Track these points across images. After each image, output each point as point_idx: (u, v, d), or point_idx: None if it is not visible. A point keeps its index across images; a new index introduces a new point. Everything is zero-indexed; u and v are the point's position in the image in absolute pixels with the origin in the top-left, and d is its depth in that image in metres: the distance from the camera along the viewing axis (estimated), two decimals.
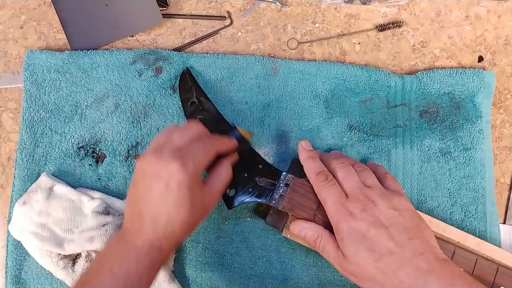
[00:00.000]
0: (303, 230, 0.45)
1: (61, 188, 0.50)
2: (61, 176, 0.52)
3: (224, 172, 0.45)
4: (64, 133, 0.53)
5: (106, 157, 0.53)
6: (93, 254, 0.48)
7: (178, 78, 0.54)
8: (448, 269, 0.39)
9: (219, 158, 0.46)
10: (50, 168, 0.52)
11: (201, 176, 0.42)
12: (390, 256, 0.39)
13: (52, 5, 0.55)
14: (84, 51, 0.55)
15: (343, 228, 0.41)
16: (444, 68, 0.56)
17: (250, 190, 0.48)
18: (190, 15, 0.57)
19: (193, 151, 0.41)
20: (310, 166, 0.46)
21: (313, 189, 0.46)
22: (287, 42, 0.57)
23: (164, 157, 0.40)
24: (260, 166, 0.49)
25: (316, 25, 0.57)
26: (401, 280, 0.38)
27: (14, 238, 0.49)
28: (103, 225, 0.47)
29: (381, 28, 0.57)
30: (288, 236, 0.48)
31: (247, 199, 0.48)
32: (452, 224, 0.49)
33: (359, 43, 0.57)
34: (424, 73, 0.55)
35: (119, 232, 0.42)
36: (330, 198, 0.43)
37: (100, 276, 0.38)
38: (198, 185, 0.41)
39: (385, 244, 0.40)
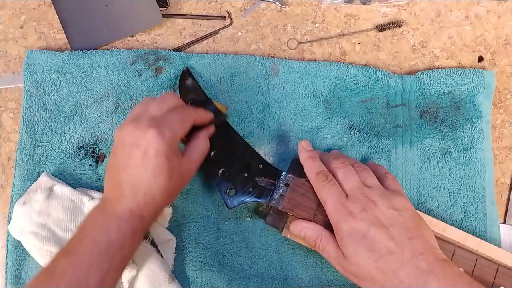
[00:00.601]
0: (303, 230, 0.45)
1: (61, 188, 0.50)
2: (61, 176, 0.52)
3: (201, 144, 0.46)
4: (64, 133, 0.53)
5: (106, 157, 0.53)
6: None
7: (178, 78, 0.54)
8: (448, 269, 0.39)
9: (195, 131, 0.47)
10: (50, 168, 0.52)
11: (179, 147, 0.44)
12: (390, 256, 0.39)
13: (52, 5, 0.55)
14: (84, 51, 0.55)
15: (343, 228, 0.41)
16: (444, 68, 0.56)
17: (250, 190, 0.48)
18: (190, 15, 0.57)
19: (169, 120, 0.43)
20: (310, 166, 0.46)
21: (313, 189, 0.46)
22: (287, 42, 0.57)
23: (142, 126, 0.41)
24: (260, 166, 0.49)
25: (316, 25, 0.57)
26: (401, 280, 0.38)
27: (14, 238, 0.49)
28: None
29: (381, 28, 0.57)
30: (288, 236, 0.48)
31: (247, 199, 0.48)
32: (452, 224, 0.49)
33: (359, 43, 0.57)
34: (424, 73, 0.55)
35: (99, 203, 0.43)
36: (330, 198, 0.43)
37: (83, 243, 0.39)
38: (175, 154, 0.43)
39: (385, 244, 0.40)
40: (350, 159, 0.48)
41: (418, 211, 0.44)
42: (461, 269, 0.45)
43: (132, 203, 0.41)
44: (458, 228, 0.48)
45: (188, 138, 0.47)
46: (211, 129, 0.49)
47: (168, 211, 0.51)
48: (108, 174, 0.44)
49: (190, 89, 0.53)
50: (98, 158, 0.53)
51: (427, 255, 0.39)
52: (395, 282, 0.38)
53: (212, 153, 0.50)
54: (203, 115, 0.48)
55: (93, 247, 0.39)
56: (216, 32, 0.57)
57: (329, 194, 0.43)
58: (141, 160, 0.41)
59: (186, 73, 0.53)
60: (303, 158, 0.47)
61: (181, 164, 0.44)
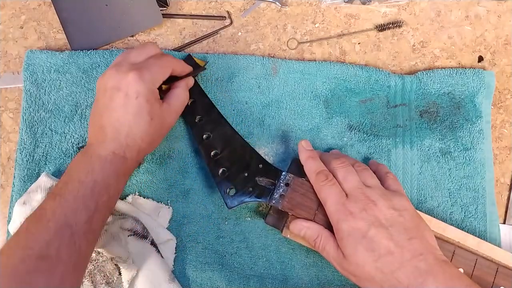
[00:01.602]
0: (302, 230, 0.45)
1: None
2: (61, 176, 0.52)
3: (180, 93, 0.48)
4: (64, 133, 0.53)
5: None
6: (93, 255, 0.48)
7: None
8: (447, 271, 0.39)
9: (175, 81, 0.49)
10: (50, 168, 0.52)
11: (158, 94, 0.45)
12: (389, 256, 0.39)
13: (52, 5, 0.55)
14: (84, 51, 0.55)
15: (343, 228, 0.41)
16: (444, 68, 0.56)
17: (250, 189, 0.48)
18: (190, 15, 0.57)
19: (149, 65, 0.44)
20: (310, 166, 0.46)
21: (314, 189, 0.46)
22: (287, 42, 0.57)
23: (123, 70, 0.43)
24: (260, 166, 0.49)
25: (316, 25, 0.57)
26: (399, 280, 0.38)
27: None
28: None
29: (381, 28, 0.57)
30: (288, 236, 0.48)
31: (247, 199, 0.48)
32: (452, 224, 0.49)
33: (359, 43, 0.57)
34: (424, 73, 0.55)
35: (83, 149, 0.44)
36: (330, 198, 0.43)
37: (69, 185, 0.41)
38: (155, 99, 0.44)
39: (384, 244, 0.40)
40: (350, 158, 0.48)
41: (418, 211, 0.44)
42: (461, 270, 0.45)
43: (114, 145, 0.43)
44: (458, 228, 0.48)
45: (168, 89, 0.49)
46: (190, 81, 0.51)
47: (168, 211, 0.51)
48: (91, 119, 0.46)
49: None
50: None
51: (427, 256, 0.39)
52: (394, 282, 0.38)
53: (212, 153, 0.50)
54: (182, 65, 0.49)
55: (79, 188, 0.40)
56: (216, 32, 0.57)
57: (329, 194, 0.43)
58: (122, 103, 0.43)
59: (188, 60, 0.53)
60: (303, 158, 0.47)
61: (162, 111, 0.45)
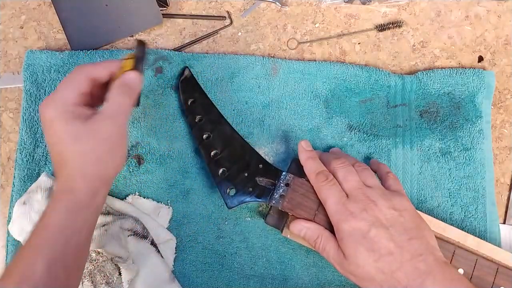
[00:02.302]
0: (302, 230, 0.45)
1: None
2: None
3: (112, 95, 0.42)
4: None
5: None
6: (93, 255, 0.48)
7: (178, 78, 0.54)
8: (446, 272, 0.39)
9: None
10: (50, 168, 0.52)
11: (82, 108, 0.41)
12: (389, 256, 0.39)
13: (52, 5, 0.55)
14: (84, 51, 0.55)
15: (344, 228, 0.41)
16: (444, 68, 0.56)
17: (250, 190, 0.48)
18: (190, 15, 0.57)
19: (59, 88, 0.41)
20: (310, 166, 0.46)
21: (314, 189, 0.46)
22: (287, 42, 0.57)
23: (41, 104, 0.41)
24: (260, 166, 0.49)
25: (316, 25, 0.57)
26: (398, 281, 0.38)
27: (14, 238, 0.49)
28: (103, 225, 0.47)
29: (381, 28, 0.57)
30: (288, 236, 0.48)
31: (247, 199, 0.48)
32: (452, 224, 0.49)
33: (359, 43, 0.57)
34: (424, 73, 0.55)
35: None
36: (330, 198, 0.43)
37: (31, 234, 0.38)
38: (74, 117, 0.40)
39: (385, 245, 0.40)
40: (351, 158, 0.48)
41: (418, 211, 0.44)
42: (461, 270, 0.45)
43: (58, 179, 0.40)
44: (458, 228, 0.48)
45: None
46: (128, 75, 0.43)
47: (168, 211, 0.51)
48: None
49: (189, 89, 0.53)
50: None
51: (426, 256, 0.39)
52: (393, 282, 0.38)
53: (212, 153, 0.50)
54: (102, 65, 0.44)
55: (34, 234, 0.38)
56: (216, 32, 0.57)
57: (330, 194, 0.43)
58: (45, 134, 0.41)
59: (186, 73, 0.53)
60: (303, 158, 0.47)
61: (88, 124, 0.39)
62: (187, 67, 0.54)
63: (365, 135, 0.54)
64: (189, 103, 0.52)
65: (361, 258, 0.40)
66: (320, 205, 0.45)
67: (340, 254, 0.42)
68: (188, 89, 0.53)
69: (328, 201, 0.43)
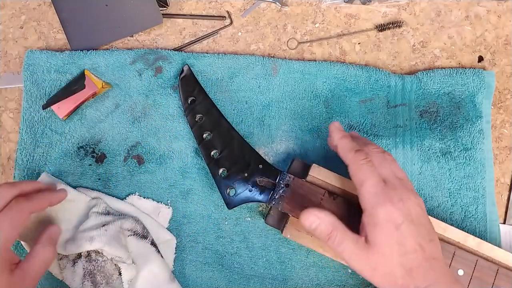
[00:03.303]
0: (314, 222, 0.41)
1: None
2: (61, 176, 0.52)
3: (39, 251, 0.42)
4: (64, 133, 0.53)
5: (106, 157, 0.53)
6: (93, 255, 0.48)
7: (178, 76, 0.54)
8: (449, 282, 0.39)
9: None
10: (50, 168, 0.52)
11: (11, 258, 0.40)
12: (413, 254, 0.38)
13: (52, 5, 0.55)
14: (84, 51, 0.55)
15: (380, 214, 0.39)
16: (444, 68, 0.56)
17: (250, 190, 0.48)
18: (190, 15, 0.57)
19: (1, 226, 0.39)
20: (347, 144, 0.43)
21: (314, 190, 0.46)
22: (287, 42, 0.57)
23: None
24: (260, 166, 0.49)
25: (316, 25, 0.57)
26: (413, 278, 0.38)
27: None
28: (103, 225, 0.47)
29: (381, 28, 0.57)
30: (288, 236, 0.48)
31: (247, 199, 0.48)
32: (452, 224, 0.49)
33: (359, 43, 0.57)
34: (424, 73, 0.55)
35: None
36: (370, 179, 0.40)
37: None
38: (3, 271, 0.38)
39: (411, 241, 0.39)
40: (378, 146, 0.45)
41: None
42: (461, 272, 0.45)
43: None
44: (458, 228, 0.48)
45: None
46: (53, 230, 0.44)
47: (168, 211, 0.51)
48: None
49: (189, 87, 0.53)
50: (98, 158, 0.53)
51: (438, 262, 0.39)
52: (408, 280, 0.38)
53: (212, 153, 0.50)
54: (41, 201, 0.44)
55: None
56: (216, 32, 0.57)
57: (370, 175, 0.40)
58: None
59: (186, 71, 0.53)
60: (337, 137, 0.44)
61: (11, 283, 0.38)
62: (186, 64, 0.54)
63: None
64: (189, 102, 0.52)
65: (390, 249, 0.38)
66: (320, 206, 0.45)
67: (361, 242, 0.40)
68: (188, 87, 0.53)
69: (367, 182, 0.40)
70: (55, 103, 0.51)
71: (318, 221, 0.41)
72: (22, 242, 0.48)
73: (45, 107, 0.50)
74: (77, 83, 0.52)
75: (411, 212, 0.39)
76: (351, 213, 0.45)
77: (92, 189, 0.51)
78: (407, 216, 0.39)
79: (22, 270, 0.40)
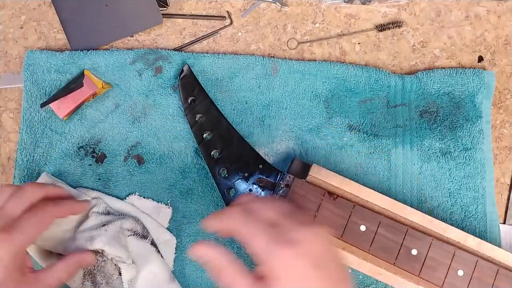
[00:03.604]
0: (204, 258, 0.36)
1: None
2: (61, 176, 0.52)
3: (59, 269, 0.41)
4: (64, 133, 0.53)
5: (106, 157, 0.53)
6: (93, 254, 0.48)
7: (178, 76, 0.54)
8: None
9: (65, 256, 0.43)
10: (50, 168, 0.52)
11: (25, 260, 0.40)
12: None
13: (52, 5, 0.55)
14: (84, 51, 0.55)
15: (277, 268, 0.33)
16: (444, 68, 0.56)
17: (250, 190, 0.48)
18: (190, 15, 0.57)
19: (23, 223, 0.39)
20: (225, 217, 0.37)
21: (314, 190, 0.46)
22: (287, 42, 0.57)
23: None
24: (260, 166, 0.49)
25: (316, 25, 0.57)
26: None
27: None
28: (103, 225, 0.47)
29: (381, 28, 0.57)
30: None
31: None
32: (452, 224, 0.49)
33: (359, 43, 0.57)
34: (424, 73, 0.55)
35: None
36: (255, 232, 0.35)
37: None
38: (16, 268, 0.38)
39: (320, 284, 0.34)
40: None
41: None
42: (461, 272, 0.45)
43: None
44: (458, 228, 0.48)
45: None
46: (83, 257, 0.44)
47: (168, 211, 0.51)
48: None
49: (189, 87, 0.53)
50: (98, 158, 0.53)
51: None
52: None
53: (212, 153, 0.50)
54: (68, 208, 0.44)
55: None
56: (216, 32, 0.57)
57: (251, 227, 0.35)
58: None
59: (186, 71, 0.53)
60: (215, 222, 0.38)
61: (22, 282, 0.38)
62: (186, 64, 0.54)
63: (365, 135, 0.54)
64: (189, 102, 0.52)
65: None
66: (320, 206, 0.45)
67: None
68: (188, 87, 0.53)
69: (254, 237, 0.35)
70: (53, 101, 0.51)
71: (208, 256, 0.35)
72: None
73: (43, 105, 0.50)
74: (75, 82, 0.52)
75: (314, 253, 0.34)
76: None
77: (92, 189, 0.51)
78: (309, 260, 0.33)
79: (35, 278, 0.40)
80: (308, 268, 0.33)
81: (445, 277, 0.46)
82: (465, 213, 0.52)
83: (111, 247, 0.46)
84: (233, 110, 0.54)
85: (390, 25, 0.57)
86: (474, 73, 0.54)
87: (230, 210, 0.37)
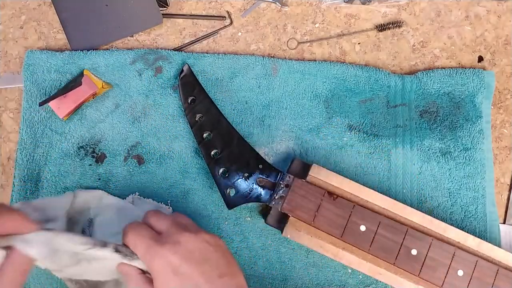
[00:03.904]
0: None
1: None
2: (61, 176, 0.52)
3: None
4: (64, 133, 0.53)
5: (106, 157, 0.53)
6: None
7: (178, 76, 0.54)
8: None
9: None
10: (51, 168, 0.52)
11: None
12: None
13: (52, 5, 0.55)
14: (84, 51, 0.55)
15: (155, 265, 0.38)
16: (444, 68, 0.56)
17: (250, 190, 0.48)
18: (190, 15, 0.57)
19: None
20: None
21: (314, 190, 0.45)
22: (287, 42, 0.57)
23: None
24: (260, 166, 0.49)
25: (316, 25, 0.57)
26: None
27: None
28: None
29: (381, 28, 0.57)
30: (288, 236, 0.48)
31: (247, 200, 0.48)
32: (452, 224, 0.49)
33: (359, 43, 0.57)
34: (424, 73, 0.55)
35: None
36: (139, 240, 0.39)
37: None
38: None
39: (195, 281, 0.37)
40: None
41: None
42: (461, 272, 0.45)
43: None
44: (458, 228, 0.48)
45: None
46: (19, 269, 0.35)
47: (168, 211, 0.51)
48: None
49: (189, 87, 0.53)
50: (98, 158, 0.53)
51: None
52: None
53: (212, 153, 0.50)
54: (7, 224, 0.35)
55: None
56: (216, 32, 0.57)
57: (137, 236, 0.39)
58: None
59: (186, 71, 0.53)
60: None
61: None
62: (186, 64, 0.54)
63: (365, 135, 0.54)
64: (189, 101, 0.52)
65: None
66: (320, 206, 0.45)
67: None
68: (188, 86, 0.53)
69: (137, 244, 0.39)
70: (51, 100, 0.51)
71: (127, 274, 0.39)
72: None
73: (41, 104, 0.50)
74: (75, 82, 0.52)
75: (193, 251, 0.38)
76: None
77: (94, 189, 0.51)
78: (187, 257, 0.37)
79: None
80: (184, 261, 0.37)
81: (445, 277, 0.46)
82: (465, 213, 0.52)
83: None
84: (233, 110, 0.54)
85: (390, 25, 0.57)
86: (474, 73, 0.54)
87: (131, 224, 0.40)
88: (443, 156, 0.53)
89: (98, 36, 0.56)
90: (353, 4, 0.57)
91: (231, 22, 0.57)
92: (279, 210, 0.47)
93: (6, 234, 0.35)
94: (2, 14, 0.57)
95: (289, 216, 0.47)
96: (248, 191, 0.48)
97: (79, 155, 0.53)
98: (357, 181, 0.49)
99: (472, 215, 0.52)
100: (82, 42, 0.55)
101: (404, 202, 0.49)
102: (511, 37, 0.57)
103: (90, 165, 0.52)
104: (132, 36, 0.57)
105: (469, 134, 0.53)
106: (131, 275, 0.39)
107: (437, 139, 0.53)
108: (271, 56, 0.57)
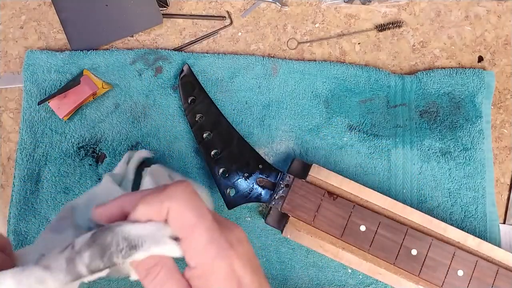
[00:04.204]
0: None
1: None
2: (61, 176, 0.52)
3: None
4: (64, 133, 0.53)
5: (106, 157, 0.53)
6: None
7: (178, 76, 0.54)
8: None
9: None
10: (50, 168, 0.52)
11: None
12: None
13: (52, 5, 0.55)
14: (84, 51, 0.55)
15: (220, 270, 0.30)
16: (444, 68, 0.56)
17: (250, 190, 0.48)
18: (190, 15, 0.57)
19: None
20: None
21: (314, 190, 0.46)
22: (287, 42, 0.57)
23: None
24: (260, 166, 0.49)
25: (316, 25, 0.57)
26: None
27: (14, 239, 0.49)
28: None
29: (381, 28, 0.57)
30: (288, 236, 0.48)
31: (247, 200, 0.48)
32: (452, 224, 0.49)
33: (359, 43, 0.57)
34: (424, 73, 0.55)
35: None
36: (200, 221, 0.32)
37: None
38: None
39: None
40: None
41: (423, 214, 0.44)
42: (461, 272, 0.45)
43: None
44: (458, 228, 0.48)
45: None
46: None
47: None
48: None
49: (189, 87, 0.53)
50: (98, 158, 0.53)
51: None
52: None
53: (212, 153, 0.50)
54: None
55: None
56: (216, 32, 0.57)
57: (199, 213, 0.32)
58: None
59: (186, 71, 0.53)
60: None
61: None
62: (186, 63, 0.54)
63: (365, 135, 0.54)
64: (189, 101, 0.52)
65: None
66: (320, 207, 0.45)
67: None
68: (188, 86, 0.53)
69: (197, 226, 0.32)
70: (50, 99, 0.51)
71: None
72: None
73: (40, 102, 0.50)
74: (73, 81, 0.52)
75: (249, 257, 0.32)
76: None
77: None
78: (246, 264, 0.31)
79: None
80: (244, 270, 0.31)
81: (445, 277, 0.46)
82: (465, 213, 0.52)
83: None
84: (233, 110, 0.54)
85: (390, 25, 0.57)
86: (474, 73, 0.54)
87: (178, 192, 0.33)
88: (443, 156, 0.53)
89: (98, 36, 0.56)
90: (353, 4, 0.57)
91: (231, 22, 0.57)
92: (279, 210, 0.47)
93: None
94: (2, 14, 0.57)
95: (289, 216, 0.47)
96: (248, 191, 0.48)
97: (79, 155, 0.53)
98: (357, 181, 0.49)
99: (472, 215, 0.52)
100: (82, 42, 0.55)
101: (404, 202, 0.49)
102: (511, 37, 0.57)
103: (90, 165, 0.52)
104: (132, 36, 0.57)
105: (469, 134, 0.53)
106: (164, 262, 0.30)
107: (437, 139, 0.54)
108: (271, 56, 0.57)
